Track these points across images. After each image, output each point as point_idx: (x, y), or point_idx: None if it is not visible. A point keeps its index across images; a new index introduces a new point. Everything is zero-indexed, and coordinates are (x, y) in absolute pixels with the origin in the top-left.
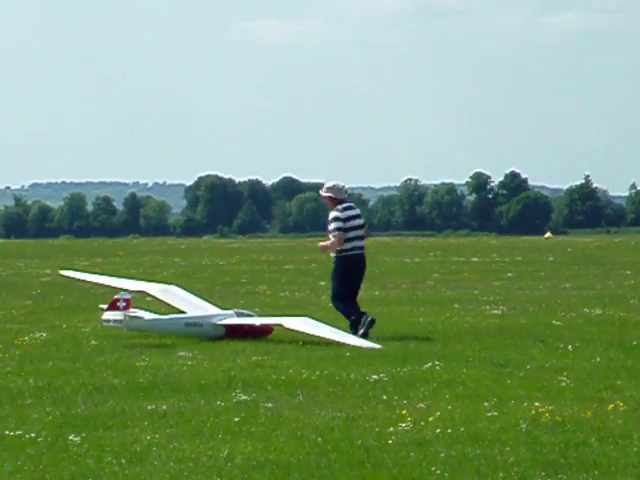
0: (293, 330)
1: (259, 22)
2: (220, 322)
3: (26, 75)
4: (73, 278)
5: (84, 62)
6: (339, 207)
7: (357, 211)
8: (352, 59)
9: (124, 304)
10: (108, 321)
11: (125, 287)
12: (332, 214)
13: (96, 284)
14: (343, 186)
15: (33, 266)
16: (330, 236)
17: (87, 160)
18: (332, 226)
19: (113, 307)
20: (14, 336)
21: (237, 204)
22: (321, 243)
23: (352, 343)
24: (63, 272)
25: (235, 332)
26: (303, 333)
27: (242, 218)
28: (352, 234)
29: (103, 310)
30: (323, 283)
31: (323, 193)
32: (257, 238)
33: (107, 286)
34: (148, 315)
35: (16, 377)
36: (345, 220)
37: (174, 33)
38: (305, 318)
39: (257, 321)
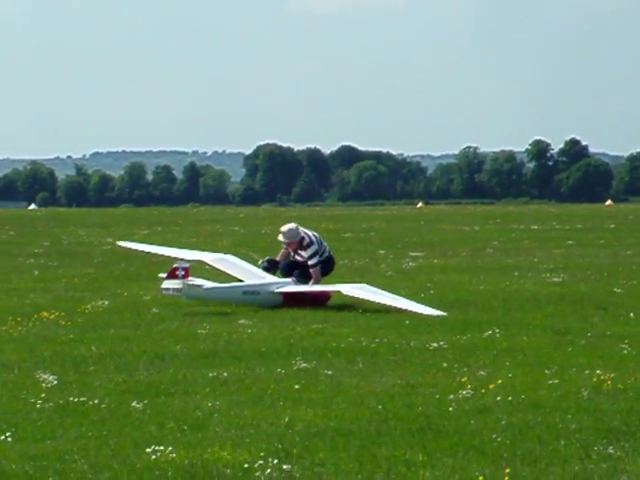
0: (352, 297)
1: None
2: (278, 290)
3: (86, 46)
4: (130, 249)
5: (143, 31)
6: (314, 240)
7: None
8: (408, 26)
9: (183, 273)
10: (167, 289)
11: (181, 257)
12: (312, 249)
13: (153, 254)
14: (296, 226)
15: (94, 235)
16: (311, 271)
17: (147, 129)
18: (314, 260)
19: (172, 276)
20: (77, 304)
21: (296, 173)
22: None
23: (412, 309)
24: (120, 243)
25: (293, 300)
26: (362, 300)
27: (301, 187)
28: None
29: (162, 279)
30: (382, 251)
31: (285, 241)
32: (316, 207)
33: (163, 256)
34: (207, 284)
35: (79, 344)
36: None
37: (232, 2)
38: (363, 285)
39: (315, 288)
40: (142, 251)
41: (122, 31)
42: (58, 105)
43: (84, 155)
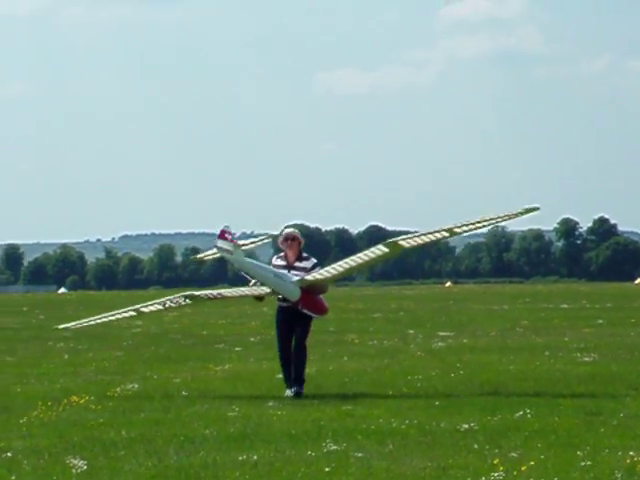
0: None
1: (339, 72)
2: (298, 284)
3: (114, 128)
4: (77, 327)
5: (170, 112)
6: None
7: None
8: (433, 106)
9: (230, 237)
10: (221, 248)
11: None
12: (313, 260)
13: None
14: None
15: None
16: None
17: (176, 211)
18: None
19: (222, 237)
20: (106, 387)
21: (324, 253)
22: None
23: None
24: (62, 326)
25: (304, 300)
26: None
27: None
28: None
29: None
30: (412, 331)
31: (292, 234)
32: (344, 287)
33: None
34: (249, 259)
35: (109, 428)
36: None
37: (258, 83)
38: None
39: (319, 276)
40: (90, 323)
41: (151, 113)
42: (87, 189)
43: (113, 238)
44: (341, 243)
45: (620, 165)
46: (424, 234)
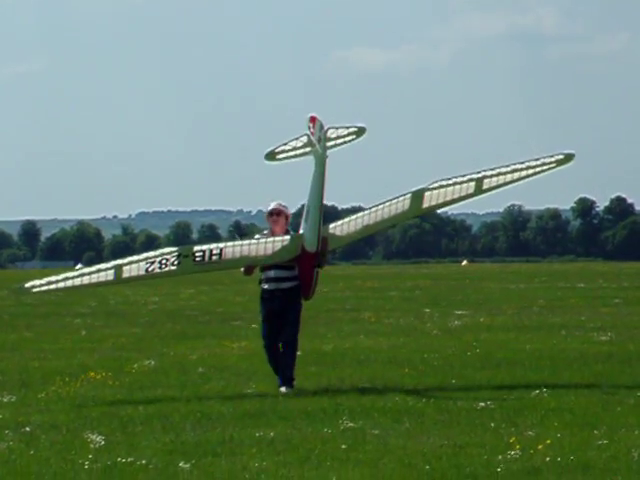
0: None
1: (355, 49)
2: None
3: (132, 106)
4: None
5: (190, 89)
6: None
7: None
8: (448, 85)
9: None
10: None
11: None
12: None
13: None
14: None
15: (141, 294)
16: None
17: (192, 188)
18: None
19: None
20: (123, 364)
21: None
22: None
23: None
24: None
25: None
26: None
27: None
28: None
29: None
30: (427, 310)
31: (279, 209)
32: (361, 265)
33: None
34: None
35: (126, 404)
36: None
37: (275, 61)
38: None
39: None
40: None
41: (170, 90)
42: (104, 166)
43: (130, 215)
44: None
45: (638, 144)
46: (449, 184)
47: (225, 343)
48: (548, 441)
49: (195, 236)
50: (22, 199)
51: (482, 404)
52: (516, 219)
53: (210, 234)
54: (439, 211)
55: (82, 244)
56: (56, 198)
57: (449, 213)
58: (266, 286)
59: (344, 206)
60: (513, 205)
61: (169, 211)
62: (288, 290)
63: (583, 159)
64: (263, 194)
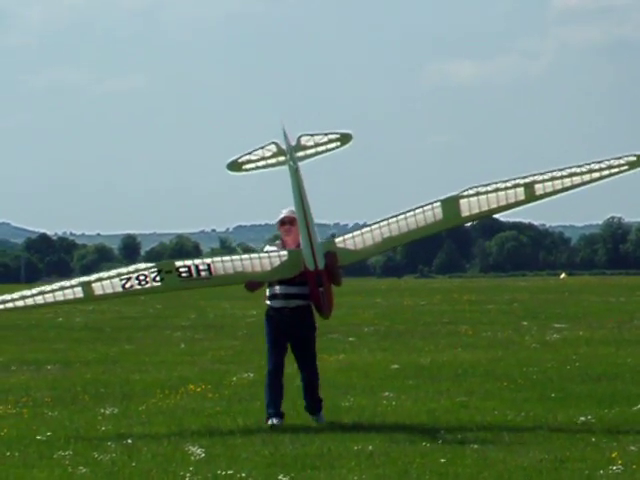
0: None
1: (452, 62)
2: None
3: (230, 121)
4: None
5: (285, 103)
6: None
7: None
8: (545, 95)
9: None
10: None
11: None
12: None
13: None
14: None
15: (239, 307)
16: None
17: (290, 202)
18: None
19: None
20: (223, 377)
21: (437, 243)
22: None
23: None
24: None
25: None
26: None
27: (442, 258)
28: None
29: None
30: (525, 323)
31: (291, 217)
32: (457, 278)
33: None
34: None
35: (225, 417)
36: None
37: (367, 73)
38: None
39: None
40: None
41: (266, 109)
42: (203, 179)
43: (228, 228)
44: (454, 234)
45: None
46: (494, 190)
47: (322, 356)
48: None
49: None
50: (123, 214)
51: (582, 418)
52: (615, 231)
53: None
54: (536, 223)
55: (181, 257)
56: (155, 212)
57: (547, 226)
58: (271, 303)
59: None
60: (612, 217)
61: (266, 224)
62: (298, 309)
63: None
64: (358, 208)
